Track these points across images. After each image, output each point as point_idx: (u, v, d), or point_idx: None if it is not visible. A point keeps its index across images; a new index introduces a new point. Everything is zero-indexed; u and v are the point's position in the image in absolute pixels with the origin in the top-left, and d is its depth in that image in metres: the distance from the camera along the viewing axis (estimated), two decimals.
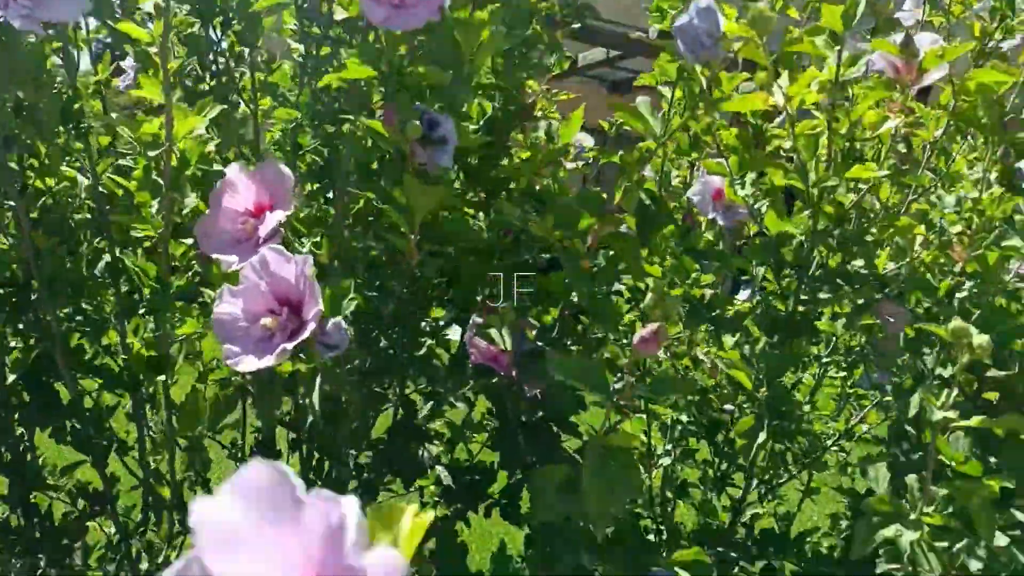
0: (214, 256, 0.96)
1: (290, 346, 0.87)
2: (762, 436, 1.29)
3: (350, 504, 0.27)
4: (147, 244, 1.23)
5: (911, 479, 1.02)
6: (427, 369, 1.24)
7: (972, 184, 1.19)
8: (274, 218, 0.94)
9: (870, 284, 1.28)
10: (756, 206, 1.38)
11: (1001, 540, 0.97)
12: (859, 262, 1.30)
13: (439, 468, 1.46)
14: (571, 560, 1.15)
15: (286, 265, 0.87)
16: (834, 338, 1.63)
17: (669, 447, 1.64)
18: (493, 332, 1.22)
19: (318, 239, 1.06)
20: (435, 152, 1.01)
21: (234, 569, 0.30)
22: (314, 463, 1.36)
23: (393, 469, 1.38)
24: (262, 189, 0.98)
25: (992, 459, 1.04)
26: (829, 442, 1.70)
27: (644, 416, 1.67)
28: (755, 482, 1.66)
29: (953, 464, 1.00)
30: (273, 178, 0.97)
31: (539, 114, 1.65)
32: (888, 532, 0.97)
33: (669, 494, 1.63)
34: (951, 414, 0.93)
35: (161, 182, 0.94)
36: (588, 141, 1.77)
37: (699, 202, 1.41)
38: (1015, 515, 0.99)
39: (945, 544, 0.99)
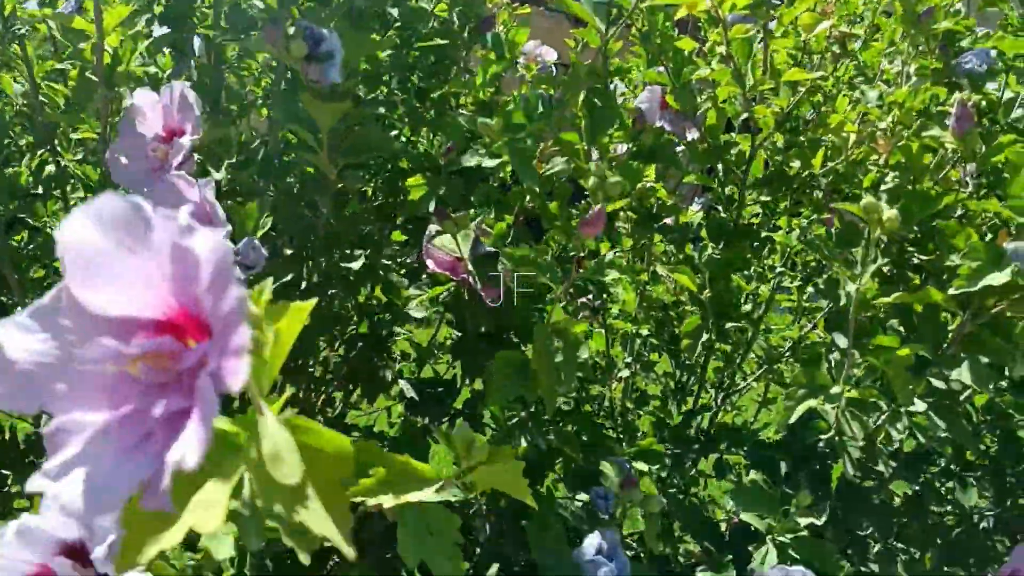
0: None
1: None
2: (705, 335, 1.34)
3: (184, 211, 0.32)
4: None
5: (834, 356, 1.07)
6: (375, 278, 1.28)
7: (893, 77, 1.23)
8: (182, 144, 0.96)
9: (807, 184, 1.32)
10: (698, 114, 1.42)
11: (919, 405, 1.02)
12: (796, 163, 1.34)
13: (402, 382, 1.52)
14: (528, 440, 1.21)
15: (191, 190, 0.91)
16: (788, 249, 1.68)
17: (629, 360, 1.69)
18: (448, 239, 1.25)
19: (233, 160, 1.08)
20: (323, 68, 1.00)
21: (98, 295, 0.35)
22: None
23: (355, 382, 1.43)
24: (171, 114, 0.98)
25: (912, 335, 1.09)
26: (786, 352, 1.76)
27: (604, 331, 1.72)
28: (713, 392, 1.72)
29: (874, 341, 1.05)
30: (181, 102, 0.97)
31: (500, 28, 1.67)
32: (812, 403, 1.02)
33: (629, 404, 1.69)
34: (865, 285, 0.97)
35: (95, 78, 0.96)
36: (551, 56, 1.79)
37: (647, 110, 1.44)
38: (932, 383, 1.04)
39: (866, 417, 1.04)
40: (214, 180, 0.93)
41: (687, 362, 1.70)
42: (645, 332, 1.67)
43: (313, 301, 0.44)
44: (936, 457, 1.32)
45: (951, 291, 0.93)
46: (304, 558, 0.48)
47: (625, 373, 1.68)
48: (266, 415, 0.37)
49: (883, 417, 1.07)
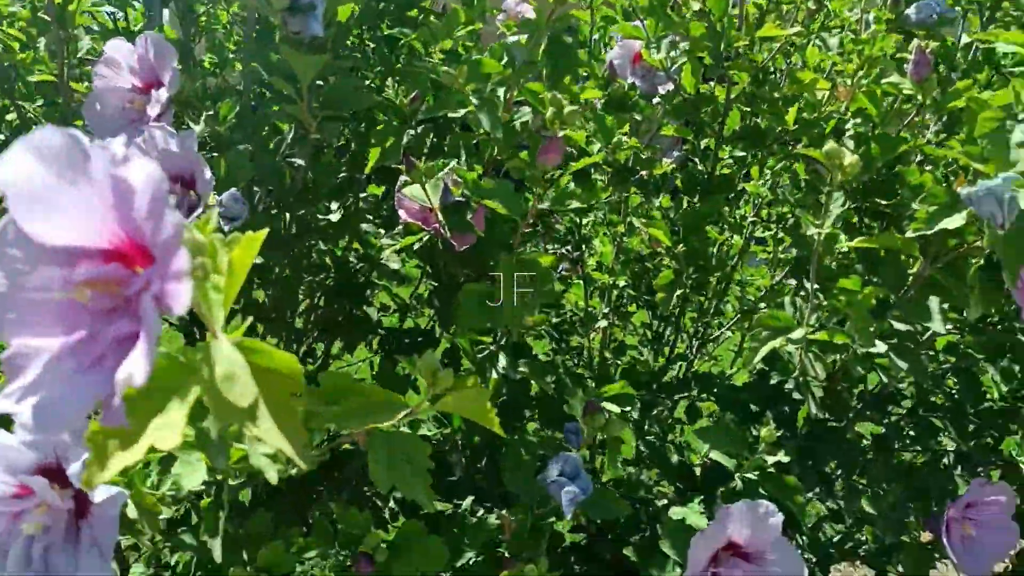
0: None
1: (187, 221, 0.91)
2: (680, 289, 1.37)
3: (118, 141, 0.33)
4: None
5: (799, 300, 1.10)
6: (352, 231, 1.30)
7: (853, 25, 1.24)
8: (161, 96, 0.95)
9: (779, 138, 1.34)
10: (673, 68, 1.42)
11: (880, 347, 1.05)
12: (772, 119, 1.35)
13: (382, 332, 1.54)
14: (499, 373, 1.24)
15: (172, 141, 0.91)
16: (759, 199, 1.70)
17: (607, 311, 1.72)
18: (418, 189, 1.26)
19: (211, 113, 1.08)
20: (305, 19, 1.01)
21: (43, 226, 0.36)
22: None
23: (334, 332, 1.45)
24: (146, 64, 0.97)
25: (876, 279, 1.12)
26: (759, 302, 1.79)
27: (582, 283, 1.75)
28: (688, 341, 1.75)
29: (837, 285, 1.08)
30: (157, 53, 0.96)
31: None
32: (775, 343, 1.05)
33: (608, 354, 1.72)
34: (826, 229, 1.00)
35: (48, 18, 0.94)
36: (531, 13, 1.78)
37: (619, 65, 1.45)
38: (894, 325, 1.07)
39: (830, 356, 1.07)
40: (195, 132, 0.94)
41: (663, 313, 1.73)
42: (622, 284, 1.70)
43: (264, 232, 0.46)
44: (901, 399, 1.36)
45: (909, 234, 0.96)
46: (272, 477, 0.51)
47: (603, 324, 1.71)
48: (220, 339, 0.40)
49: (846, 356, 1.11)
